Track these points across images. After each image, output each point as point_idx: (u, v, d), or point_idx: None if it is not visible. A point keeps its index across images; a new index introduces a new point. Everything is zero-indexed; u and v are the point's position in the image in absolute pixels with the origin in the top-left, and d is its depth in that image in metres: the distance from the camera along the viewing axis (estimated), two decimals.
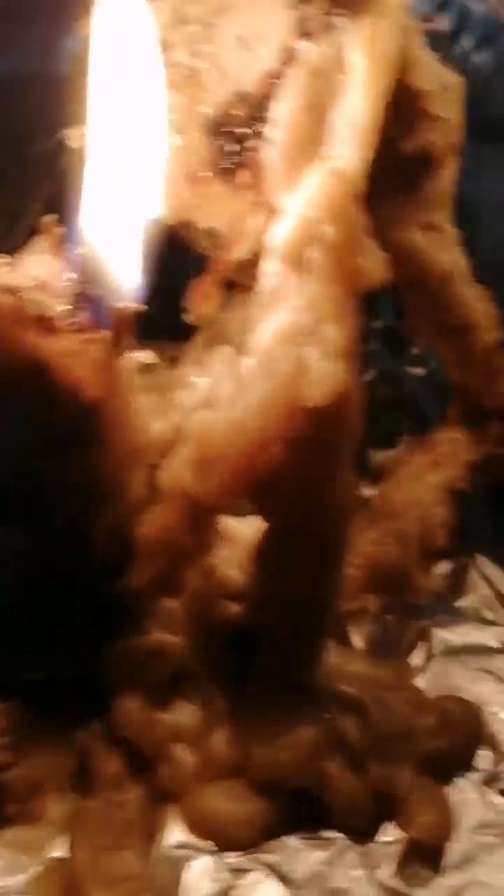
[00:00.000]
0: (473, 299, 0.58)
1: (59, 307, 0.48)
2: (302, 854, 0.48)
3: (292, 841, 0.48)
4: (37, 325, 0.44)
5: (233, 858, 0.47)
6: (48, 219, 0.51)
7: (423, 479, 0.58)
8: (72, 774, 0.50)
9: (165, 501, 0.50)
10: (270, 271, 0.46)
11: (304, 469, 0.46)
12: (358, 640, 0.57)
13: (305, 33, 0.46)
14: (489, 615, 0.59)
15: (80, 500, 0.50)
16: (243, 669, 0.51)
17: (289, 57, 0.46)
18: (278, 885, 0.46)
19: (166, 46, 0.50)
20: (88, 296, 0.48)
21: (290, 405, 0.44)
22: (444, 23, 0.94)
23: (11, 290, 0.44)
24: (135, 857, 0.46)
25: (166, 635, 0.51)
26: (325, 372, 0.43)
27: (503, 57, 0.93)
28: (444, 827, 0.48)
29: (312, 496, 0.48)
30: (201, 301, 0.50)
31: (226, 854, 0.47)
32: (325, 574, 0.49)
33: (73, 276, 0.48)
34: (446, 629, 0.58)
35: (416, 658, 0.57)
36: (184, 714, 0.51)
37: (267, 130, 0.47)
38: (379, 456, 0.68)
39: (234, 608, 0.53)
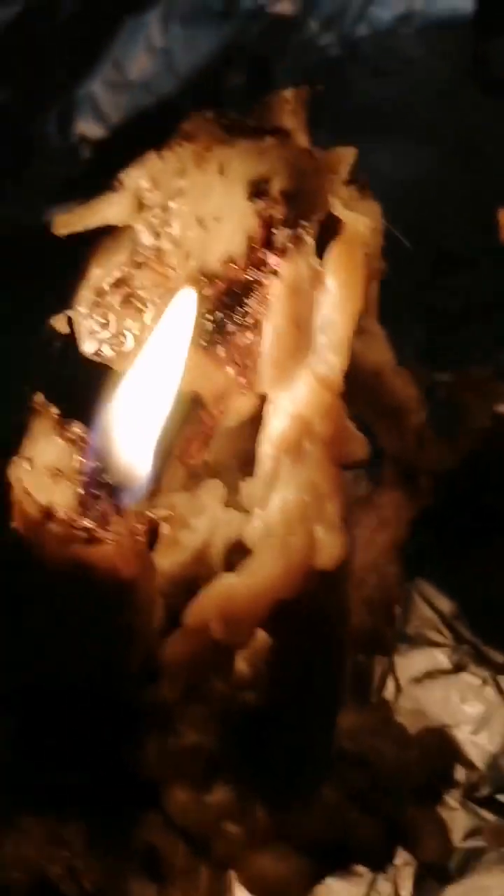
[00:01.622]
0: (402, 387, 0.66)
1: (78, 492, 0.54)
2: (343, 892, 0.60)
3: (333, 883, 0.60)
4: (84, 542, 0.50)
5: None
6: (39, 399, 0.56)
7: (374, 542, 0.68)
8: (142, 868, 0.60)
9: (187, 633, 0.58)
10: (268, 453, 0.53)
11: (310, 607, 0.56)
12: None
13: (275, 245, 0.51)
14: (436, 637, 0.71)
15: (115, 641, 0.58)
16: (269, 748, 0.62)
17: (257, 258, 0.52)
18: None
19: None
20: (103, 481, 0.54)
21: (305, 571, 0.53)
22: (287, 7, 0.97)
23: (52, 514, 0.50)
24: None
25: (198, 734, 0.61)
26: (330, 543, 0.52)
27: (350, 40, 0.98)
28: (445, 845, 0.62)
29: (316, 622, 0.57)
30: (194, 454, 0.57)
31: None
32: (329, 670, 0.60)
33: (89, 461, 0.54)
34: (406, 657, 0.69)
35: (389, 691, 0.68)
36: (225, 795, 0.61)
37: (243, 320, 0.53)
38: None
39: (251, 697, 0.63)
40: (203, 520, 0.58)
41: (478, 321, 0.87)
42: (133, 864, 0.59)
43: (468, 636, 0.71)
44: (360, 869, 0.61)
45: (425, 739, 0.65)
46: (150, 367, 0.52)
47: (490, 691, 0.68)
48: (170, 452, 0.60)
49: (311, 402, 0.51)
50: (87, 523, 0.51)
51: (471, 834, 0.63)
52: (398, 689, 0.69)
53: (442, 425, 0.73)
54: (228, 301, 0.54)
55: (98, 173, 0.69)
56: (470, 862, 0.62)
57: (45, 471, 0.55)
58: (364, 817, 0.61)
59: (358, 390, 0.68)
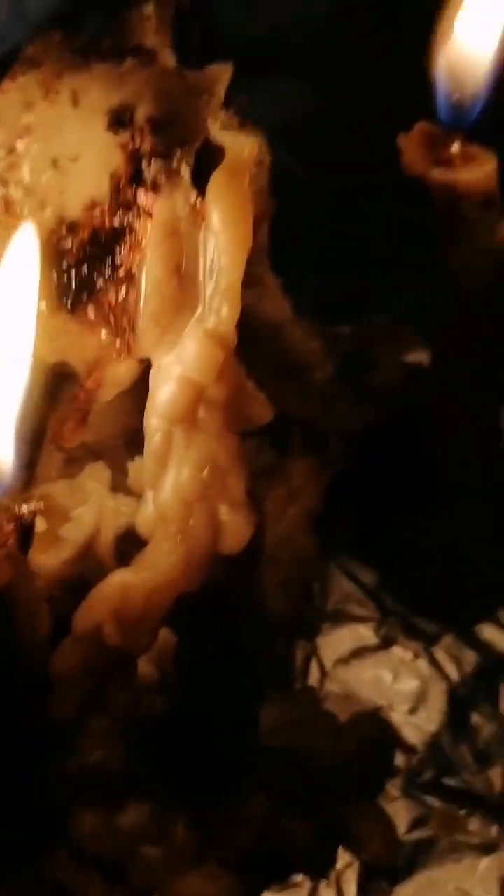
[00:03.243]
0: (303, 341, 0.60)
1: None
2: None
3: None
4: None
5: None
6: None
7: (285, 515, 0.61)
8: None
9: (78, 640, 0.51)
10: (156, 427, 0.46)
11: (217, 594, 0.49)
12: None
13: (145, 181, 0.44)
14: (360, 611, 0.64)
15: None
16: (184, 757, 0.55)
17: (125, 199, 0.44)
18: None
19: None
20: None
21: (209, 558, 0.46)
22: None
23: None
24: None
25: (102, 751, 0.54)
26: (236, 523, 0.45)
27: None
28: (391, 843, 0.56)
29: (224, 611, 0.50)
30: (69, 436, 0.49)
31: None
32: (244, 662, 0.53)
33: None
34: (329, 637, 0.63)
35: (313, 675, 0.62)
36: (139, 814, 0.54)
37: (113, 272, 0.46)
38: None
39: (159, 702, 0.56)
40: (87, 509, 0.51)
41: (377, 265, 0.82)
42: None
43: (395, 608, 0.65)
44: (298, 878, 0.55)
45: (359, 726, 0.59)
46: None
47: (423, 665, 0.62)
48: (41, 437, 0.52)
49: (202, 362, 0.44)
50: None
51: (417, 824, 0.57)
52: (323, 672, 0.62)
53: (347, 382, 0.68)
54: (94, 252, 0.46)
55: None
56: (419, 855, 0.56)
57: None
58: (298, 822, 0.55)
59: (254, 348, 0.61)
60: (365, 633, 0.64)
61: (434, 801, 0.58)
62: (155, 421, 0.46)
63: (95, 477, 0.52)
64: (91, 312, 0.47)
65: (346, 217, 0.81)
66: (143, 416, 0.47)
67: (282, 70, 0.88)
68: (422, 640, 0.63)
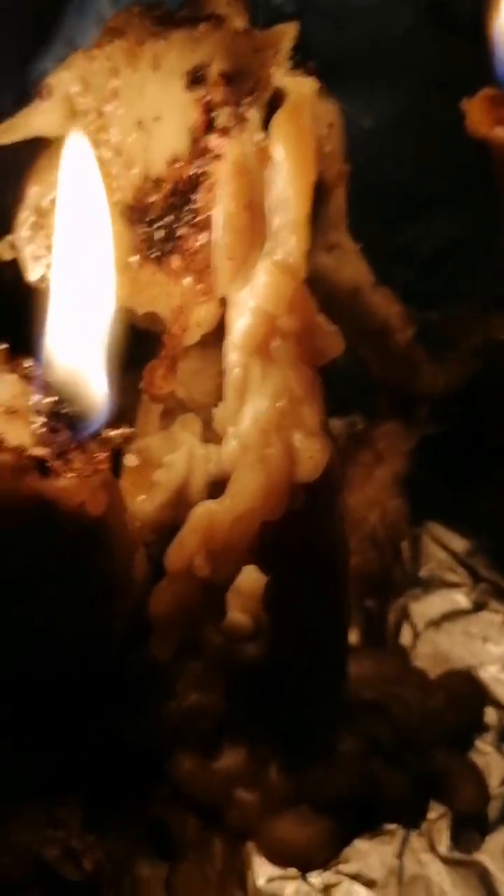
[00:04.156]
0: (383, 304, 0.62)
1: (34, 428, 0.49)
2: (373, 854, 0.54)
3: (362, 844, 0.54)
4: (39, 474, 0.45)
5: (317, 878, 0.53)
6: None
7: (372, 477, 0.63)
8: (150, 845, 0.54)
9: (173, 579, 0.53)
10: (234, 362, 0.48)
11: (299, 529, 0.50)
12: (351, 635, 0.63)
13: (217, 127, 0.47)
14: (452, 577, 0.65)
15: (92, 595, 0.53)
16: (278, 703, 0.56)
17: (201, 148, 0.48)
18: (366, 890, 0.53)
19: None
20: (61, 414, 0.50)
21: (287, 485, 0.47)
22: None
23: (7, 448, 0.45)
24: None
25: (200, 694, 0.56)
26: (310, 451, 0.47)
27: None
28: (482, 793, 0.56)
29: (308, 549, 0.52)
30: (160, 383, 0.52)
31: (310, 876, 0.53)
32: (332, 608, 0.54)
33: (42, 394, 0.49)
34: (421, 601, 0.64)
35: (405, 637, 0.63)
36: (235, 759, 0.55)
37: (193, 219, 0.49)
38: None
39: (252, 650, 0.58)
40: (179, 455, 0.53)
41: (453, 261, 0.83)
42: (140, 842, 0.53)
43: (486, 574, 0.66)
44: (391, 827, 0.55)
45: (449, 683, 0.59)
46: (80, 281, 0.47)
47: None
48: (136, 389, 0.55)
49: (273, 293, 0.46)
50: (42, 452, 0.46)
51: None
52: (415, 634, 0.63)
53: (433, 356, 0.69)
54: (176, 202, 0.49)
55: None
56: None
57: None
58: (390, 771, 0.56)
59: (336, 311, 0.63)
60: (457, 598, 0.65)
61: None
62: (233, 356, 0.48)
63: (187, 427, 0.54)
64: (176, 261, 0.50)
65: (420, 217, 0.83)
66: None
67: (366, 81, 0.92)
68: None
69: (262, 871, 0.53)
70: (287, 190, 0.46)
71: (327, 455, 0.48)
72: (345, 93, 0.93)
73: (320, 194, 0.60)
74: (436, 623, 0.63)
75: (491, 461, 0.69)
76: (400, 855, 0.54)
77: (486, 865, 0.53)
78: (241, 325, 0.47)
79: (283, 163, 0.46)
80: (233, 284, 0.47)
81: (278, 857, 0.54)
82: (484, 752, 0.57)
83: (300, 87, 0.47)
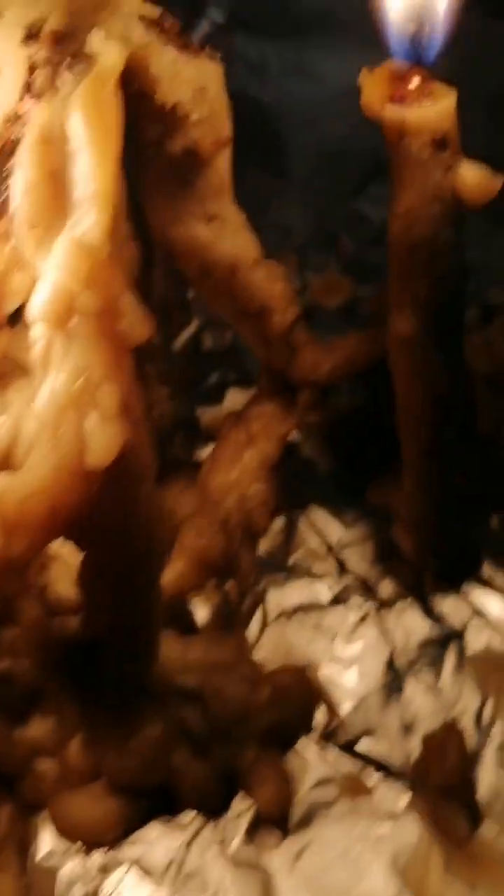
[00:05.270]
0: (265, 282, 0.59)
1: None
2: (161, 842, 0.53)
3: (153, 831, 0.54)
4: None
5: (98, 858, 0.53)
6: None
7: (239, 458, 0.61)
8: None
9: None
10: (37, 335, 0.47)
11: (106, 514, 0.49)
12: (205, 615, 0.61)
13: (33, 91, 0.45)
14: (318, 567, 0.63)
15: None
16: (92, 679, 0.55)
17: (16, 115, 0.46)
18: (141, 877, 0.52)
19: None
20: None
21: (79, 470, 0.46)
22: None
23: None
24: (11, 879, 0.51)
25: (12, 661, 0.55)
26: (104, 436, 0.45)
27: None
28: (283, 794, 0.54)
29: (118, 530, 0.50)
30: None
31: (93, 854, 0.53)
32: (140, 594, 0.53)
33: None
34: (280, 589, 0.62)
35: (254, 625, 0.61)
36: (40, 728, 0.55)
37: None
38: (207, 416, 0.70)
39: (73, 622, 0.57)
40: (4, 421, 0.52)
41: None
42: None
43: (354, 567, 0.63)
44: (189, 817, 0.54)
45: (279, 679, 0.57)
46: None
47: (370, 628, 0.60)
48: None
49: (72, 268, 0.44)
50: None
51: (322, 783, 0.55)
52: (265, 623, 0.61)
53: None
54: (3, 163, 0.48)
55: None
56: (316, 813, 0.54)
57: None
58: (192, 760, 0.55)
59: (211, 287, 0.61)
60: (318, 590, 0.62)
61: (345, 763, 0.55)
62: (37, 328, 0.47)
63: (21, 392, 0.53)
64: (2, 225, 0.49)
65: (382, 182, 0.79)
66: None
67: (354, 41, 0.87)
68: (375, 603, 0.61)
69: (46, 844, 0.53)
70: (86, 161, 0.43)
71: (121, 441, 0.46)
72: (325, 49, 0.89)
73: (195, 162, 0.57)
74: (288, 614, 0.61)
75: (390, 451, 0.66)
76: (188, 845, 0.53)
77: (272, 871, 0.52)
78: (40, 297, 0.45)
79: (81, 135, 0.43)
80: (37, 253, 0.46)
81: (67, 831, 0.54)
82: (303, 754, 0.56)
83: (106, 55, 0.44)
